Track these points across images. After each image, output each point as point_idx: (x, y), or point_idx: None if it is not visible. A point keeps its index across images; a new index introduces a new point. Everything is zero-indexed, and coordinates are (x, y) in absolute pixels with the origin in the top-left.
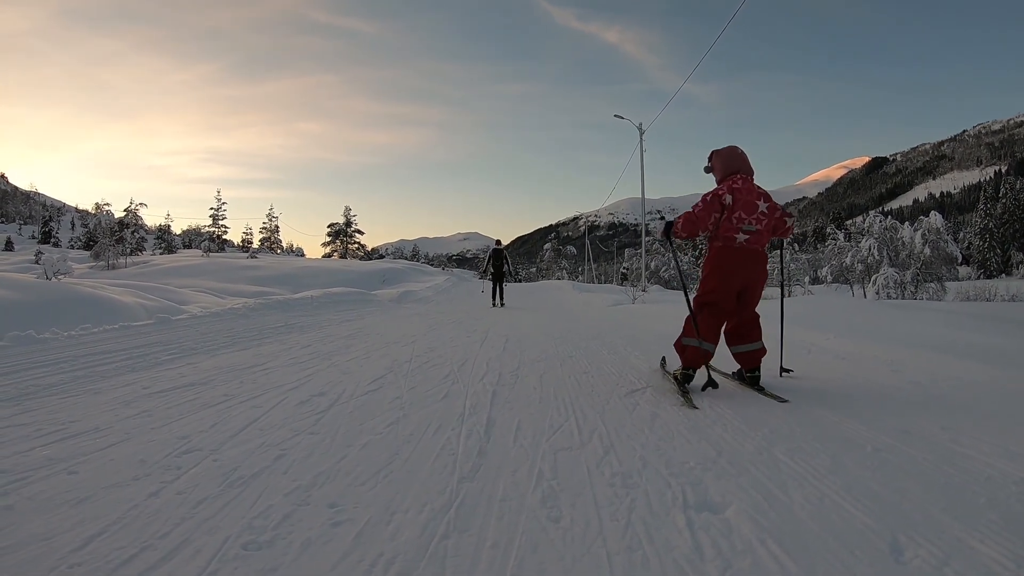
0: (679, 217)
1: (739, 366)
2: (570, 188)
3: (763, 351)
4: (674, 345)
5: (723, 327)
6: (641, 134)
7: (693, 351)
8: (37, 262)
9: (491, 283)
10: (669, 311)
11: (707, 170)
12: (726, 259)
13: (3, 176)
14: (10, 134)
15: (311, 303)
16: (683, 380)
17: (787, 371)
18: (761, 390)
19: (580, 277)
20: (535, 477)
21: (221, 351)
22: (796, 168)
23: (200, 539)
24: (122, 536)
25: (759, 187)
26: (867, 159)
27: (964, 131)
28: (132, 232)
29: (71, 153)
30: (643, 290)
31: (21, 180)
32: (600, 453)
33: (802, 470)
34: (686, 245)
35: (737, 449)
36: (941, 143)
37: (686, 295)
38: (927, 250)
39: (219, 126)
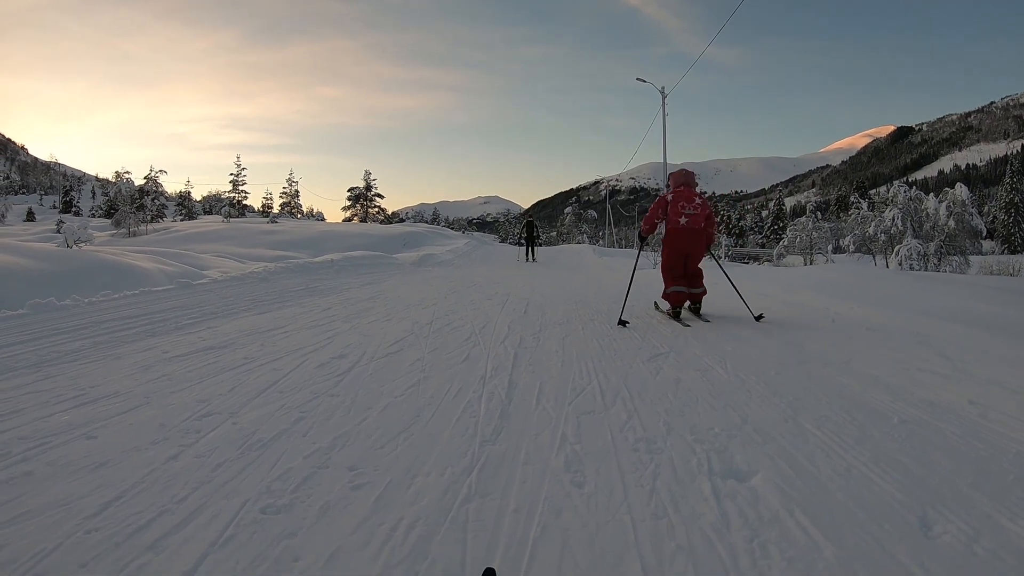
0: (643, 220)
1: (692, 302)
2: (591, 152)
3: (704, 292)
4: (662, 295)
5: (678, 276)
6: (664, 97)
7: (674, 295)
8: (58, 231)
9: (524, 246)
10: None
11: (667, 185)
12: (672, 237)
13: (24, 148)
14: (32, 106)
15: (331, 267)
16: (674, 316)
17: (759, 317)
18: (701, 317)
19: (601, 241)
20: (558, 441)
21: (241, 315)
22: (820, 136)
23: (218, 503)
24: (140, 500)
25: (697, 193)
26: (892, 128)
27: (992, 103)
28: (152, 199)
29: (93, 123)
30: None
31: (42, 151)
32: (624, 418)
33: (828, 440)
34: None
35: (762, 416)
36: (968, 114)
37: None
38: (951, 222)
39: (239, 92)
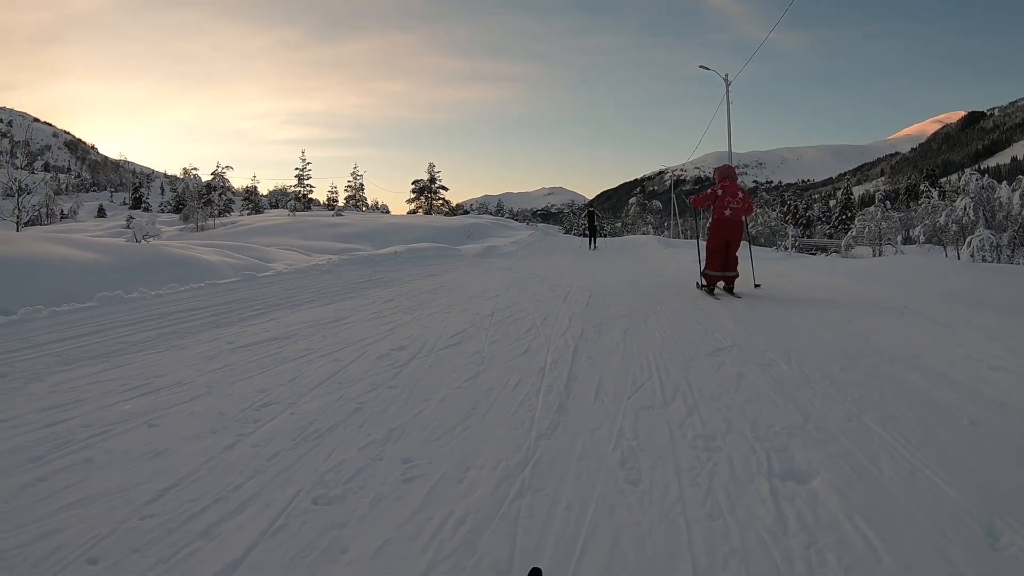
0: (695, 197)
1: (725, 284)
2: (655, 142)
3: (737, 275)
4: (701, 273)
5: (721, 261)
6: (727, 85)
7: (710, 276)
8: (128, 227)
9: (587, 235)
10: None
11: (713, 178)
12: (718, 225)
13: (94, 147)
14: (100, 107)
15: (395, 258)
16: (708, 291)
17: (758, 285)
18: (733, 294)
19: (666, 232)
20: (615, 437)
21: (304, 306)
22: (889, 122)
23: (271, 492)
24: (195, 488)
25: (740, 187)
26: (963, 113)
27: None
28: (219, 194)
29: (159, 122)
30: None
31: (111, 150)
32: (683, 414)
33: (893, 440)
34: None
35: (825, 414)
36: None
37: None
38: None
39: (300, 88)
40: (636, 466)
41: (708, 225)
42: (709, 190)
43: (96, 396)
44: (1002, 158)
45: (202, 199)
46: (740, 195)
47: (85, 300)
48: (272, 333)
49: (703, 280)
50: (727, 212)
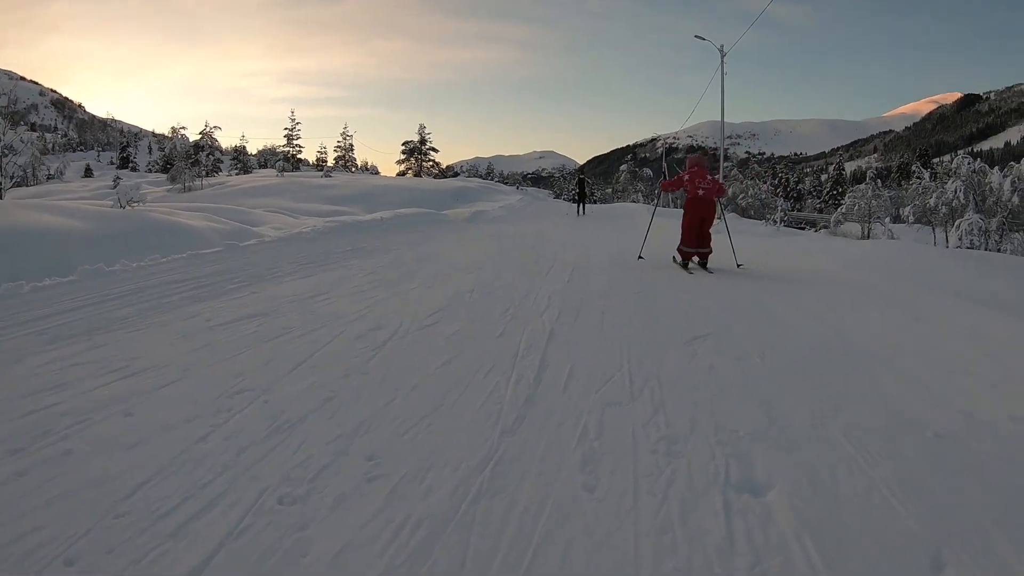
0: (664, 181)
1: (699, 259)
2: (649, 109)
3: (710, 251)
4: (676, 249)
5: (695, 238)
6: (722, 56)
7: (685, 252)
8: (115, 187)
9: (577, 201)
10: (750, 243)
11: (682, 167)
12: (692, 204)
13: (81, 106)
14: (89, 65)
15: (380, 225)
16: (683, 266)
17: (740, 265)
18: (707, 269)
19: (655, 200)
20: (578, 434)
21: (286, 278)
22: (885, 100)
23: (239, 490)
24: (168, 484)
25: (708, 172)
26: (959, 95)
27: None
28: (207, 155)
29: (150, 80)
30: (719, 218)
31: (99, 109)
32: (649, 412)
33: (855, 451)
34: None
35: (792, 418)
36: None
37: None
38: (1015, 198)
39: (297, 47)
40: (596, 470)
41: (683, 204)
42: (676, 176)
43: (77, 379)
44: (995, 142)
45: (189, 160)
46: (709, 178)
47: (67, 273)
48: (251, 309)
49: (679, 256)
50: (700, 192)
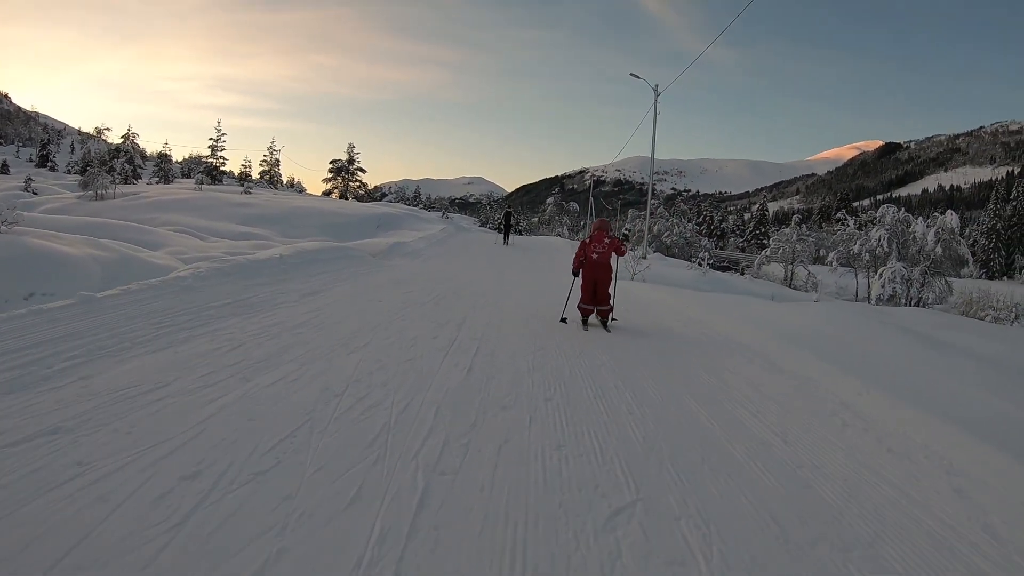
0: (575, 262)
1: (599, 316)
2: (579, 141)
3: (611, 309)
4: (576, 306)
5: (590, 296)
6: (656, 96)
7: (582, 308)
8: (26, 188)
9: (503, 232)
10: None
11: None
12: (588, 267)
13: (7, 96)
14: (17, 55)
15: (277, 266)
16: (583, 324)
17: (614, 319)
18: (606, 327)
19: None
20: None
21: (130, 353)
22: (808, 144)
23: None
24: None
25: (605, 234)
26: (880, 143)
27: (981, 127)
28: (123, 161)
29: (81, 74)
30: (643, 256)
31: (24, 101)
32: None
33: None
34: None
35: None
36: (956, 136)
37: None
38: (939, 249)
39: (230, 53)
40: None
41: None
42: (581, 243)
43: None
44: (914, 188)
45: (104, 166)
46: (606, 241)
47: None
48: (51, 421)
49: (579, 314)
50: (594, 256)
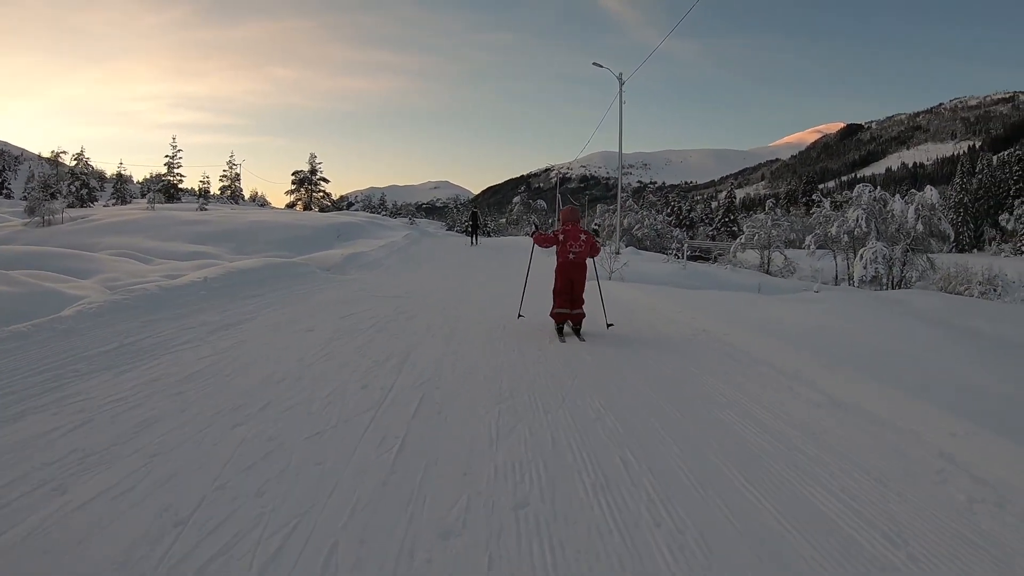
0: (538, 234)
1: (572, 323)
2: (544, 140)
3: (583, 315)
4: (549, 313)
5: (566, 300)
6: (621, 85)
7: (557, 315)
8: None
9: (470, 234)
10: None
11: (557, 220)
12: (562, 267)
13: None
14: None
15: (198, 291)
16: (558, 331)
17: (610, 325)
18: (579, 336)
19: (550, 231)
20: None
21: None
22: (771, 130)
23: None
24: None
25: (580, 229)
26: (842, 125)
27: (940, 104)
28: (68, 184)
29: (43, 99)
30: (617, 252)
31: None
32: None
33: None
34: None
35: None
36: (916, 114)
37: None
38: (920, 226)
39: (192, 71)
40: None
41: (555, 268)
42: (551, 232)
43: None
44: (877, 168)
45: (47, 191)
46: (582, 238)
47: None
48: None
49: (554, 320)
50: (571, 256)
